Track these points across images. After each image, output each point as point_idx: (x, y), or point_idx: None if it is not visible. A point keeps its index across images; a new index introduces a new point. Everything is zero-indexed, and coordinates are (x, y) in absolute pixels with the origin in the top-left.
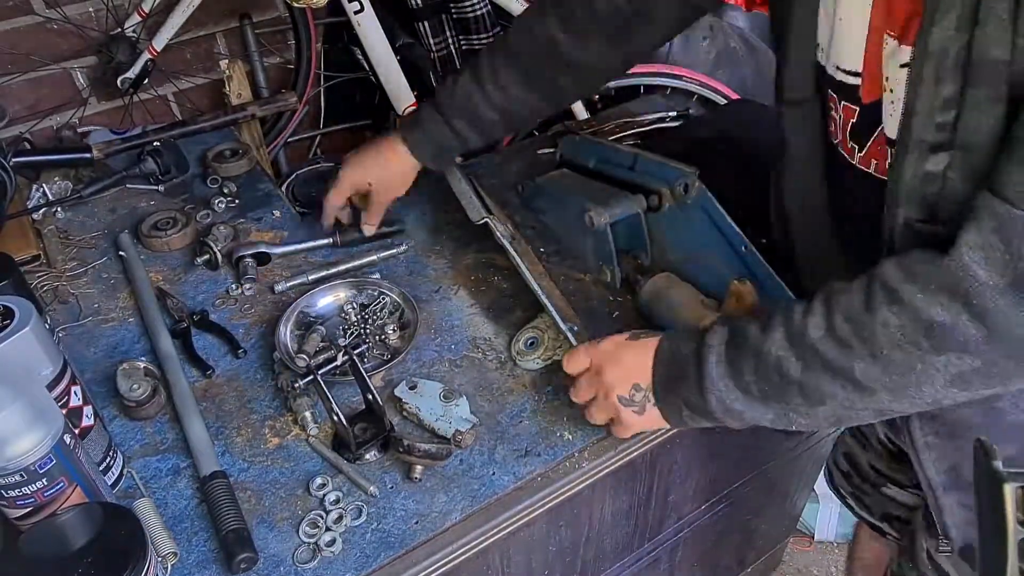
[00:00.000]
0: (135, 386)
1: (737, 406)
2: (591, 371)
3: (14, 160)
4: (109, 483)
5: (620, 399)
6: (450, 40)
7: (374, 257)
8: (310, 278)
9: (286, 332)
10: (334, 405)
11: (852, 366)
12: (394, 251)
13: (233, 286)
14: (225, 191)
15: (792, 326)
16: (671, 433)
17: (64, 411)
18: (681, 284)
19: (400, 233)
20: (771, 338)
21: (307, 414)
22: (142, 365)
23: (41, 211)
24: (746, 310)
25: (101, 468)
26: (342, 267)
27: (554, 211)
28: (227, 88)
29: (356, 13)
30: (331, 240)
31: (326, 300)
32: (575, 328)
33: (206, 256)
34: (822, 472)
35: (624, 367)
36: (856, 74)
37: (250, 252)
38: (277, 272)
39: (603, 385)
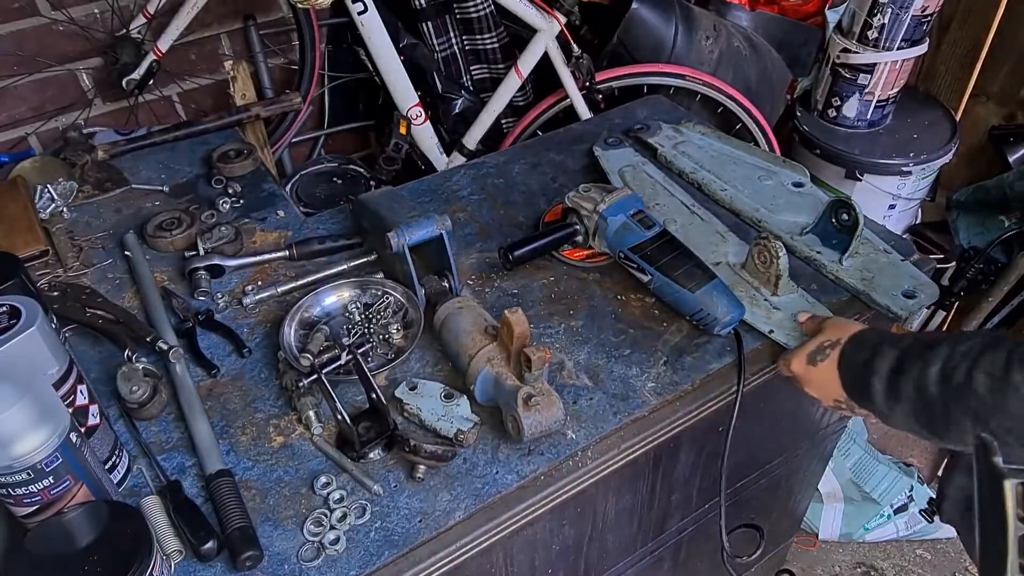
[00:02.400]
0: (135, 388)
1: (893, 417)
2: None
3: None
4: (115, 481)
5: (835, 405)
6: (454, 40)
7: (344, 267)
8: (279, 290)
9: (290, 332)
10: (338, 404)
11: (987, 419)
12: (365, 259)
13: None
14: (230, 191)
15: (950, 362)
16: (673, 432)
17: (70, 410)
18: (471, 310)
19: (360, 246)
20: (928, 374)
21: (311, 413)
22: (141, 366)
23: (48, 210)
24: (518, 338)
25: (107, 466)
26: (310, 278)
27: (375, 229)
28: (231, 89)
29: (360, 14)
30: (287, 253)
31: (330, 300)
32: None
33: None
34: (828, 471)
35: (821, 388)
36: None
37: (203, 265)
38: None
39: (811, 396)
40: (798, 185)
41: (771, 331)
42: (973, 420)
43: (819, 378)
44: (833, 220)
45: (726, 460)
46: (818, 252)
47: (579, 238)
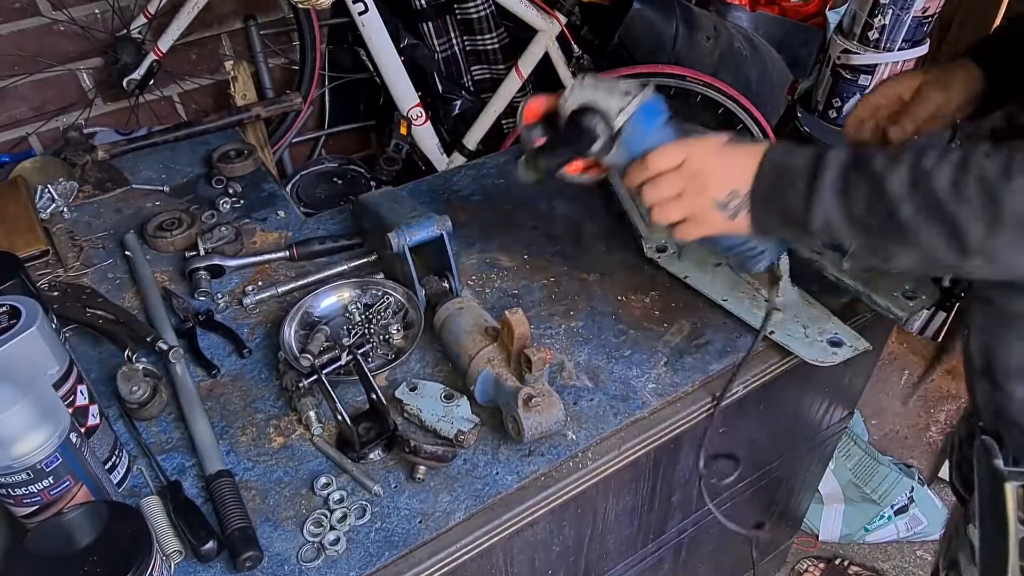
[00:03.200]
0: (135, 388)
1: (834, 224)
2: (683, 169)
3: None
4: (115, 482)
5: (715, 202)
6: (454, 41)
7: (344, 267)
8: (279, 291)
9: (290, 332)
10: (338, 405)
11: (967, 227)
12: (365, 259)
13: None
14: (230, 191)
15: (919, 169)
16: (673, 434)
17: (70, 410)
18: (471, 310)
19: (360, 246)
20: (895, 174)
21: (311, 414)
22: (141, 366)
23: (49, 210)
24: (519, 339)
25: (107, 467)
26: (311, 278)
27: (376, 230)
28: (232, 89)
29: (360, 14)
30: (287, 253)
31: (330, 300)
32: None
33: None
34: (828, 472)
35: (725, 170)
36: None
37: (203, 265)
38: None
39: (696, 184)
40: None
41: (772, 332)
42: (948, 228)
43: (729, 160)
44: None
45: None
46: (818, 253)
47: (597, 146)
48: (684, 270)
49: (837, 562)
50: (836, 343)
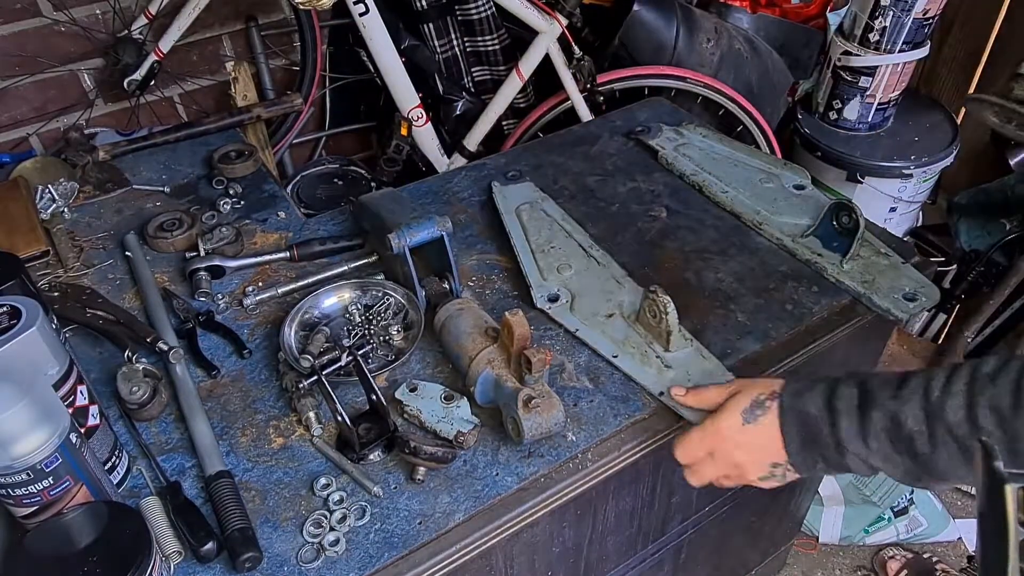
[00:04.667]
0: (135, 388)
1: (873, 462)
2: (717, 460)
3: None
4: (115, 482)
5: (760, 477)
6: (455, 42)
7: (345, 268)
8: (280, 291)
9: (291, 333)
10: (338, 406)
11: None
12: (366, 260)
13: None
14: (230, 192)
15: (929, 402)
16: (674, 434)
17: (70, 410)
18: (472, 311)
19: (360, 247)
20: (906, 408)
21: (311, 414)
22: (142, 367)
23: (50, 211)
24: (519, 340)
25: (107, 467)
26: (311, 279)
27: (376, 230)
28: (233, 90)
29: (361, 15)
30: (288, 254)
31: (330, 301)
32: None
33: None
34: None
35: (755, 452)
36: None
37: (204, 266)
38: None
39: (738, 472)
40: (799, 187)
41: (661, 393)
42: (963, 461)
43: (756, 440)
44: (834, 223)
45: None
46: (819, 255)
47: None
48: (575, 323)
49: (926, 556)
50: None
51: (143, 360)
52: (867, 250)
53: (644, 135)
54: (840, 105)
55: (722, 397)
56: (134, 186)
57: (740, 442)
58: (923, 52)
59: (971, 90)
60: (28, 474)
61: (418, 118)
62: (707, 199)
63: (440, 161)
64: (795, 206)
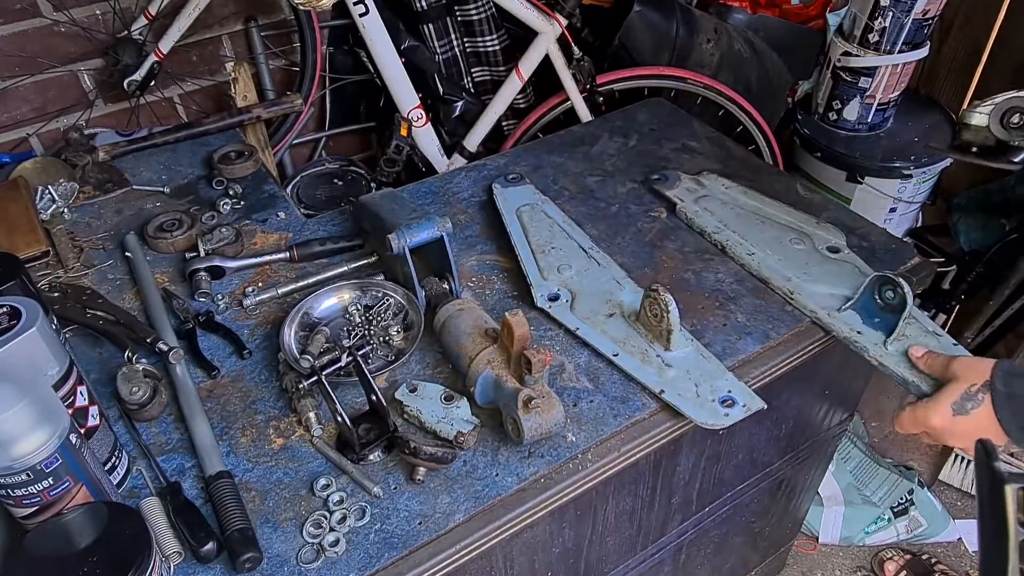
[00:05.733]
0: (135, 389)
1: None
2: (928, 436)
3: None
4: (114, 482)
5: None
6: (455, 42)
7: (345, 268)
8: (280, 292)
9: (290, 333)
10: (338, 406)
11: None
12: (366, 261)
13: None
14: (230, 193)
15: None
16: (674, 435)
17: (70, 411)
18: (472, 312)
19: (360, 247)
20: None
21: (311, 415)
22: (142, 367)
23: (49, 211)
24: (519, 340)
25: (107, 468)
26: (311, 280)
27: (376, 231)
28: (233, 90)
29: (361, 16)
30: (288, 254)
31: (330, 302)
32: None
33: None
34: (828, 474)
35: (967, 439)
36: None
37: (204, 266)
38: (278, 278)
39: (946, 443)
40: (833, 250)
41: (662, 391)
42: None
43: (970, 427)
44: (876, 297)
45: None
46: (859, 332)
47: None
48: (575, 322)
49: (924, 557)
50: (729, 403)
51: (143, 360)
52: (913, 329)
53: (661, 184)
54: (840, 105)
55: (942, 374)
56: (134, 186)
57: (953, 431)
58: (923, 52)
59: (971, 90)
60: (28, 474)
61: (418, 118)
62: (728, 258)
63: (440, 161)
64: (830, 273)
